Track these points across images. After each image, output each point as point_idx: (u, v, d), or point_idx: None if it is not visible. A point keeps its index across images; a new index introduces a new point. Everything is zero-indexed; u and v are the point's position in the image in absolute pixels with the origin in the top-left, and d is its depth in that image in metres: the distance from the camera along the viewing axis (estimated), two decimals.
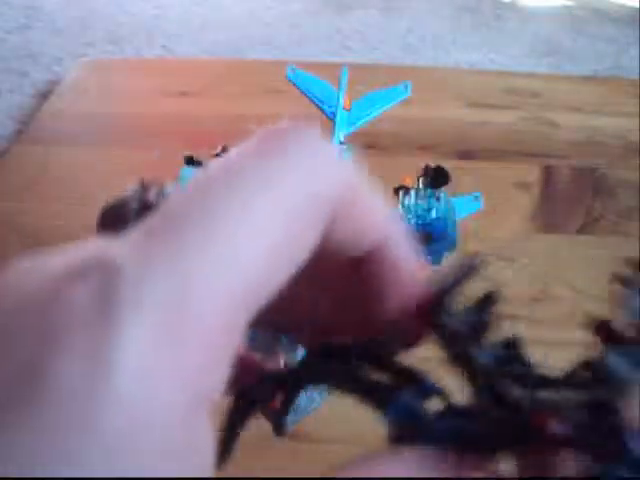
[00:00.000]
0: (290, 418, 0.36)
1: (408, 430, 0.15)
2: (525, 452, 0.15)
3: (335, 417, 0.41)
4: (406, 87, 0.48)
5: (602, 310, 0.50)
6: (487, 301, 0.17)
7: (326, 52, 0.88)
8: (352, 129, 0.45)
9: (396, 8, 1.01)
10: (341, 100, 0.46)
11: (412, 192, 0.35)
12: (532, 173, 0.62)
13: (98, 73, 0.79)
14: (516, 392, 0.15)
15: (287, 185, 0.13)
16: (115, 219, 0.14)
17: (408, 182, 0.36)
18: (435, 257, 0.35)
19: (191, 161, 0.39)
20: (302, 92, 0.48)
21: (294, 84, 0.49)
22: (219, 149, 0.40)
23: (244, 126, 0.77)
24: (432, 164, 0.36)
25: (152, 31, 0.91)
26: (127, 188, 0.16)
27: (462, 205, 0.41)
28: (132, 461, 0.11)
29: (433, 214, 0.33)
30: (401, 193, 0.35)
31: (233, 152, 0.14)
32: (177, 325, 0.12)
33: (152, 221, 0.12)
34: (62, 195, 0.59)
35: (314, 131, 0.15)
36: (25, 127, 0.71)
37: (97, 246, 0.12)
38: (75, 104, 0.73)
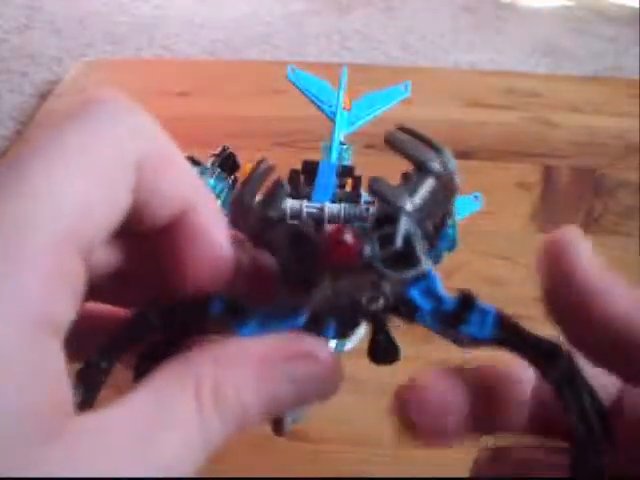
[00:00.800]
0: (290, 418, 0.36)
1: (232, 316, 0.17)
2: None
3: (335, 417, 0.41)
4: (406, 87, 0.48)
5: None
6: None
7: (326, 52, 0.88)
8: (352, 129, 0.45)
9: (396, 8, 1.01)
10: (341, 100, 0.45)
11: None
12: (532, 173, 0.62)
13: (98, 73, 0.79)
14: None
15: (95, 150, 0.16)
16: None
17: None
18: (435, 257, 0.35)
19: (191, 161, 0.39)
20: (302, 92, 0.48)
21: (294, 84, 0.49)
22: (219, 149, 0.40)
23: (244, 126, 0.77)
24: None
25: (152, 31, 0.91)
26: None
27: (462, 205, 0.41)
28: None
29: None
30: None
31: (52, 122, 0.16)
32: (6, 262, 0.14)
33: None
34: None
35: (121, 101, 0.17)
36: (25, 127, 0.71)
37: None
38: (75, 104, 0.72)
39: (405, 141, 0.18)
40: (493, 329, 0.17)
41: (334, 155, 0.41)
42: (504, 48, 0.90)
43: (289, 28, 0.93)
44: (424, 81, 0.69)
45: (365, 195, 0.38)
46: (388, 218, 0.17)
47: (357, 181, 0.39)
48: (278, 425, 0.35)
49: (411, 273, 0.16)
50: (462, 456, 0.19)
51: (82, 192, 0.15)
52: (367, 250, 0.16)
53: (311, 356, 0.17)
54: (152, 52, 0.87)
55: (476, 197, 0.42)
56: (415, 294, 0.17)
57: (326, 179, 0.38)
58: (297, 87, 0.48)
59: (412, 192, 0.17)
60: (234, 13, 0.97)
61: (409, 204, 0.17)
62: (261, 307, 0.17)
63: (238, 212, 0.18)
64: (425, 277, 0.17)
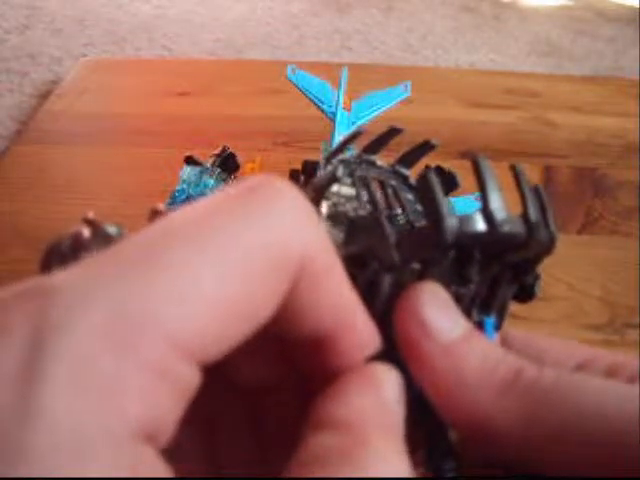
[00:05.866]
0: None
1: None
2: None
3: None
4: (406, 87, 0.48)
5: (602, 310, 0.50)
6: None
7: (326, 52, 0.88)
8: (352, 129, 0.45)
9: (396, 8, 1.01)
10: (341, 100, 0.46)
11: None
12: (532, 173, 0.62)
13: (98, 73, 0.79)
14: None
15: (248, 242, 0.13)
16: (55, 258, 0.14)
17: None
18: None
19: (191, 161, 0.39)
20: (302, 92, 0.48)
21: (294, 84, 0.49)
22: (219, 149, 0.40)
23: (244, 126, 0.77)
24: (432, 164, 0.36)
25: (152, 31, 0.91)
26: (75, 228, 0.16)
27: (462, 205, 0.41)
28: None
29: None
30: None
31: (201, 201, 0.13)
32: (110, 357, 0.11)
33: (98, 255, 0.12)
34: (62, 195, 0.59)
35: (288, 188, 0.14)
36: (25, 127, 0.71)
37: (38, 278, 0.12)
38: (75, 104, 0.72)
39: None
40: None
41: None
42: (504, 48, 0.90)
43: (289, 28, 0.93)
44: (424, 81, 0.69)
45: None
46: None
47: None
48: None
49: None
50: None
51: (218, 293, 0.12)
52: None
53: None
54: (152, 52, 0.87)
55: (476, 197, 0.42)
56: None
57: None
58: (297, 87, 0.48)
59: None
60: (234, 13, 0.97)
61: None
62: None
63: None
64: None
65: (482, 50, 0.90)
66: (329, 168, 0.18)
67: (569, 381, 0.14)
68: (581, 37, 0.94)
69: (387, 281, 0.15)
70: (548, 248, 0.17)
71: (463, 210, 0.41)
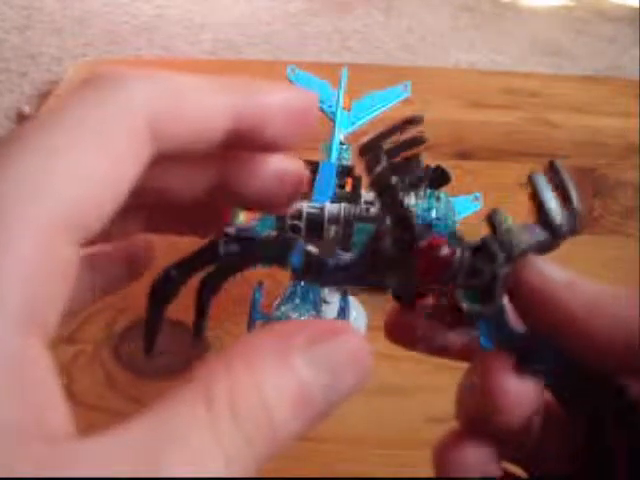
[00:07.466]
0: None
1: (309, 270, 0.19)
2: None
3: (334, 417, 0.41)
4: (406, 87, 0.48)
5: None
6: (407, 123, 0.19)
7: (326, 52, 0.88)
8: (352, 129, 0.45)
9: (396, 8, 1.01)
10: (341, 100, 0.46)
11: (412, 192, 0.35)
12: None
13: None
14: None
15: (92, 119, 0.14)
16: None
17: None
18: None
19: None
20: None
21: (294, 84, 0.48)
22: None
23: None
24: (432, 164, 0.36)
25: (152, 31, 0.91)
26: None
27: (462, 205, 0.41)
28: None
29: (433, 214, 0.33)
30: (401, 193, 0.35)
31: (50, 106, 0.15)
32: None
33: None
34: None
35: (113, 71, 0.15)
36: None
37: None
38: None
39: (544, 189, 0.18)
40: (556, 364, 0.18)
41: (334, 155, 0.41)
42: (504, 48, 0.90)
43: (289, 28, 0.93)
44: (424, 81, 0.69)
45: (365, 195, 0.38)
46: (487, 250, 0.17)
47: (357, 181, 0.39)
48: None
49: (485, 309, 0.17)
50: None
51: (77, 167, 0.13)
52: (453, 269, 0.17)
53: (337, 334, 0.14)
54: (152, 52, 0.87)
55: (476, 197, 0.42)
56: (482, 327, 0.18)
57: (326, 179, 0.38)
58: (297, 87, 0.48)
59: (529, 243, 0.17)
60: (234, 13, 0.97)
61: (516, 251, 0.17)
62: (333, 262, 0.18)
63: (367, 156, 0.19)
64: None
65: (482, 50, 0.90)
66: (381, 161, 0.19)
67: None
68: (581, 37, 0.94)
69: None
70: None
71: (462, 210, 0.41)
